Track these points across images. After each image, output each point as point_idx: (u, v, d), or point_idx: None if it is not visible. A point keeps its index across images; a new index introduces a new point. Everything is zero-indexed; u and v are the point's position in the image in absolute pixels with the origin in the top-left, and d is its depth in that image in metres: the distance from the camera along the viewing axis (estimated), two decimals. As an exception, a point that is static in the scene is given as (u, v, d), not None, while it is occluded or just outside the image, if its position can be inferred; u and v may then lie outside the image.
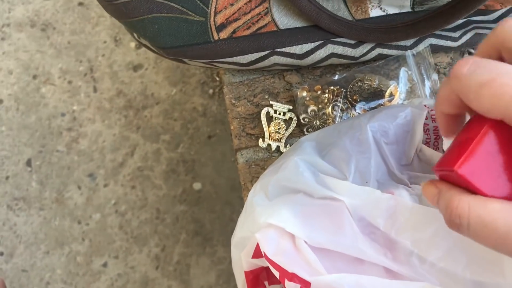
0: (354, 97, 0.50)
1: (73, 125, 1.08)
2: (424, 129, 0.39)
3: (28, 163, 1.06)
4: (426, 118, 0.39)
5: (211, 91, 1.10)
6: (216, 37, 0.49)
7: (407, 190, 0.36)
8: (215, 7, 0.48)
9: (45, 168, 1.05)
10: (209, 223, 1.00)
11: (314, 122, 0.50)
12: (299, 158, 0.36)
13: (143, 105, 1.09)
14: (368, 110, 0.49)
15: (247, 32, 0.49)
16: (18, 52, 1.16)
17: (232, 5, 0.48)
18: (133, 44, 1.14)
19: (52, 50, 1.15)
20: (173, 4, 0.47)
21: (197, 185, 1.02)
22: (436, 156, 0.39)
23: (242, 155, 0.51)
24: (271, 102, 0.52)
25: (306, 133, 0.51)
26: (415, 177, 0.38)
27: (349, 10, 0.50)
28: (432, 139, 0.40)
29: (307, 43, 0.50)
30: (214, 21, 0.48)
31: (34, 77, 1.13)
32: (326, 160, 0.37)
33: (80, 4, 1.19)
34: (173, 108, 1.09)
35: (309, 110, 0.50)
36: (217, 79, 1.11)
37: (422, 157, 0.40)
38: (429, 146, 0.40)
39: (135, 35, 0.52)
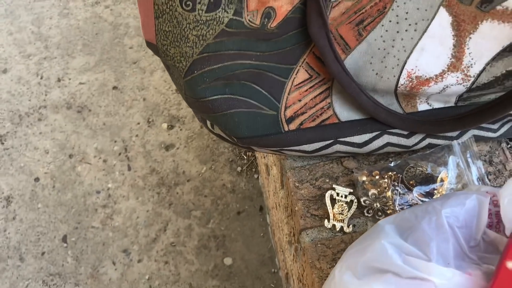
0: (411, 182, 0.56)
1: (108, 202, 1.13)
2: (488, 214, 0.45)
3: (64, 239, 1.09)
4: (489, 204, 0.45)
5: (239, 168, 1.15)
6: (286, 128, 0.55)
7: (480, 269, 0.41)
8: (286, 103, 0.54)
9: (81, 244, 1.09)
10: (239, 298, 1.03)
11: (375, 205, 0.55)
12: (386, 241, 0.41)
13: (175, 183, 1.14)
14: (423, 194, 0.55)
15: (313, 124, 0.56)
16: (55, 132, 1.21)
17: (299, 100, 0.54)
18: (165, 125, 1.21)
19: (87, 131, 1.21)
20: (251, 101, 0.53)
21: (228, 260, 1.06)
22: (499, 238, 0.44)
23: (307, 234, 0.56)
24: (333, 186, 0.57)
25: (366, 214, 0.56)
26: (482, 258, 0.43)
27: (400, 105, 0.56)
28: (495, 223, 0.45)
29: (365, 133, 0.56)
30: (285, 114, 0.55)
31: (70, 156, 1.18)
32: (409, 243, 0.41)
33: (115, 88, 1.27)
34: (204, 185, 1.14)
35: (370, 194, 0.56)
36: (245, 157, 1.17)
37: (486, 239, 0.44)
38: (491, 229, 0.45)
39: (208, 124, 0.58)
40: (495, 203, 0.45)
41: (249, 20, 0.48)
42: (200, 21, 0.47)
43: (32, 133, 1.22)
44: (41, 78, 1.30)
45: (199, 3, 0.46)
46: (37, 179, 1.16)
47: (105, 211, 1.12)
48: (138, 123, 1.22)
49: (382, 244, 0.41)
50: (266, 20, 0.48)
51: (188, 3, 0.47)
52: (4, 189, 1.15)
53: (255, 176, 1.14)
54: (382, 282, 0.40)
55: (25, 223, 1.12)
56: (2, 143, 1.21)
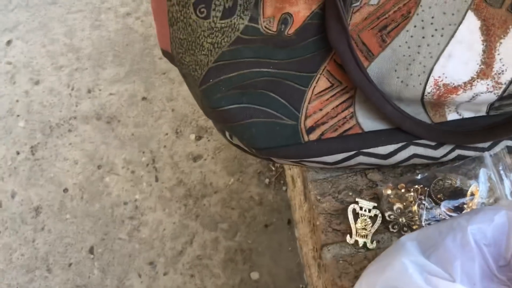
0: (439, 196, 0.53)
1: (135, 213, 1.12)
2: (519, 231, 0.41)
3: (91, 250, 1.09)
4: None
5: (267, 180, 1.14)
6: (306, 139, 0.53)
7: (511, 291, 0.38)
8: (306, 112, 0.52)
9: (107, 256, 1.08)
10: (266, 314, 1.00)
11: (400, 220, 0.53)
12: (407, 260, 0.39)
13: (202, 194, 1.13)
14: (452, 209, 0.52)
15: (334, 134, 0.53)
16: (84, 143, 1.22)
17: (320, 110, 0.52)
18: (193, 136, 1.20)
19: (116, 142, 1.21)
20: (269, 110, 0.52)
21: (254, 275, 1.04)
22: (532, 257, 0.41)
23: (329, 250, 0.54)
24: (356, 199, 0.54)
25: (391, 229, 0.53)
26: (513, 278, 0.40)
27: (427, 114, 0.53)
28: (527, 240, 0.42)
29: (391, 144, 0.54)
30: (305, 124, 0.53)
31: (99, 167, 1.19)
32: (431, 261, 0.39)
33: (144, 98, 1.27)
34: (231, 197, 1.12)
35: (394, 208, 0.53)
36: (273, 168, 1.15)
37: (518, 258, 0.41)
38: (524, 247, 0.42)
39: (227, 135, 0.57)
40: (527, 219, 0.42)
41: (265, 27, 0.46)
42: (214, 28, 0.46)
43: (62, 144, 1.23)
44: (72, 89, 1.31)
45: (214, 10, 0.45)
46: (66, 190, 1.17)
47: (132, 222, 1.11)
48: (166, 134, 1.22)
49: (402, 263, 0.39)
50: (283, 26, 0.46)
51: (202, 10, 0.45)
52: (34, 199, 1.16)
53: (284, 188, 1.12)
54: (402, 303, 0.37)
55: (53, 233, 1.12)
56: (33, 154, 1.22)
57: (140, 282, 1.05)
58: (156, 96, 1.27)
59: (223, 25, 0.46)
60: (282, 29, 0.46)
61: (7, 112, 1.29)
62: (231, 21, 0.46)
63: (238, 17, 0.45)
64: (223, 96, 0.50)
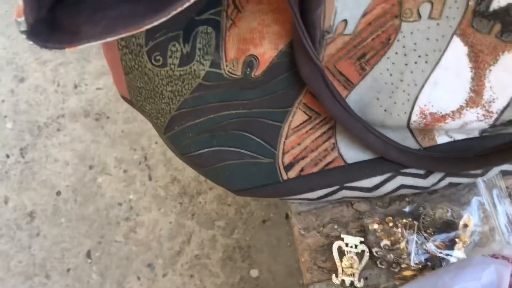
0: (428, 231, 0.50)
1: (130, 214, 1.10)
2: (510, 289, 0.38)
3: (88, 254, 1.08)
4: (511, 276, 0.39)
5: (263, 173, 1.11)
6: (285, 177, 0.50)
7: None
8: (283, 148, 0.49)
9: (105, 259, 1.07)
10: (268, 311, 1.00)
11: (388, 256, 0.50)
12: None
13: (197, 191, 1.10)
14: (443, 244, 0.49)
15: (315, 169, 0.50)
16: (74, 142, 1.19)
17: (299, 144, 0.49)
18: (184, 131, 1.17)
19: (106, 140, 1.18)
20: (243, 151, 0.48)
21: (254, 272, 1.02)
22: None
23: (315, 289, 0.51)
24: (342, 236, 0.51)
25: (379, 265, 0.50)
26: None
27: (415, 139, 0.49)
28: (520, 297, 0.39)
29: (376, 176, 0.50)
30: (282, 161, 0.49)
31: (90, 167, 1.16)
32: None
33: (132, 92, 1.23)
34: (226, 193, 1.10)
35: (382, 244, 0.50)
36: (269, 161, 1.12)
37: (509, 317, 0.38)
38: (516, 305, 0.39)
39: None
40: (519, 275, 0.39)
41: (228, 72, 0.42)
42: (173, 76, 0.42)
43: (51, 144, 1.20)
44: (58, 85, 1.27)
45: (170, 57, 0.41)
46: (58, 193, 1.15)
47: (128, 224, 1.10)
48: (157, 130, 1.18)
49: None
50: (248, 69, 0.42)
51: (157, 58, 0.41)
52: (27, 204, 1.15)
53: (280, 181, 1.09)
54: None
55: (49, 239, 1.11)
56: (23, 157, 1.20)
57: (139, 285, 1.04)
58: (145, 89, 1.22)
59: (182, 72, 0.42)
60: (248, 72, 0.42)
61: (-6, 113, 1.26)
62: (190, 68, 0.42)
63: (198, 63, 0.42)
64: (191, 141, 0.46)
